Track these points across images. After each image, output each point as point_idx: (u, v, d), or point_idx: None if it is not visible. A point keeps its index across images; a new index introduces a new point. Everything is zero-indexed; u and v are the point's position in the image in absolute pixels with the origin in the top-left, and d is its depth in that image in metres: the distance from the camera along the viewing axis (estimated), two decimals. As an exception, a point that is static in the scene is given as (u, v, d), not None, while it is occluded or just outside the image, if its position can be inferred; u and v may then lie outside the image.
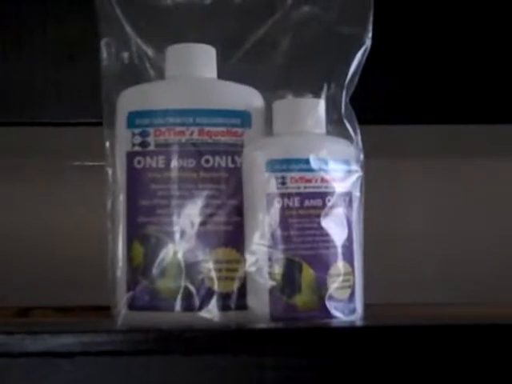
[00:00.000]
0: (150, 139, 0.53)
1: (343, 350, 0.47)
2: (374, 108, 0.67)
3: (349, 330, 0.49)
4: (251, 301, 0.51)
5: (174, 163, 0.52)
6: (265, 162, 0.51)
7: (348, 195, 0.53)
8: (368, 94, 0.58)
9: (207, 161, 0.53)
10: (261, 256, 0.51)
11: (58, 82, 0.69)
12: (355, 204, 0.53)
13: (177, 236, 0.52)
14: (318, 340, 0.47)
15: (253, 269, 0.51)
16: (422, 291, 0.75)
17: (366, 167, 0.54)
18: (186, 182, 0.52)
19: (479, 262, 0.78)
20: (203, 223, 0.52)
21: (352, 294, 0.52)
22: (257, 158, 0.51)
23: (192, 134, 0.53)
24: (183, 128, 0.53)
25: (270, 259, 0.51)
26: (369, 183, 0.55)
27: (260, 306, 0.51)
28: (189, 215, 0.52)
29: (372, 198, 0.55)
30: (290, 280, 0.50)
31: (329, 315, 0.50)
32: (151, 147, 0.53)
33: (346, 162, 0.53)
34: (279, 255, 0.50)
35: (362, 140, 0.55)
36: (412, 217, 0.79)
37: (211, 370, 0.47)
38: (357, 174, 0.53)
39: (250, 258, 0.51)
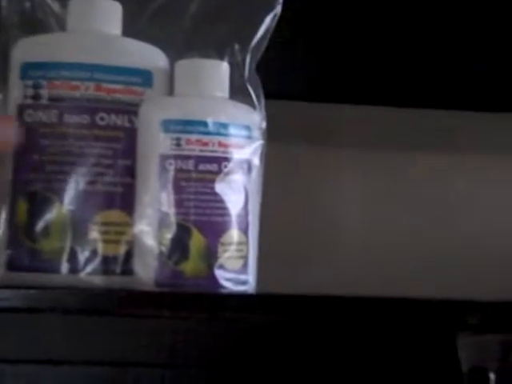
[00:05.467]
0: (43, 92, 0.50)
1: (221, 315, 0.45)
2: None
3: (223, 297, 0.47)
4: (137, 266, 0.49)
5: (67, 118, 0.50)
6: (160, 122, 0.49)
7: (247, 163, 0.51)
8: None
9: (102, 118, 0.50)
10: (150, 220, 0.48)
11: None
12: (254, 173, 0.51)
13: (64, 195, 0.49)
14: (195, 306, 0.45)
15: (141, 232, 0.49)
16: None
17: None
18: (78, 139, 0.50)
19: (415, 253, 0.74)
20: (92, 183, 0.49)
21: (245, 265, 0.50)
22: (152, 116, 0.49)
23: (88, 89, 0.50)
24: (78, 82, 0.50)
25: (159, 223, 0.48)
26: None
27: (146, 271, 0.48)
28: (78, 174, 0.49)
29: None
30: (178, 245, 0.48)
31: (217, 285, 0.48)
32: (44, 100, 0.50)
33: (247, 128, 0.51)
34: (169, 219, 0.48)
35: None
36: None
37: (86, 331, 0.44)
38: (258, 141, 0.51)
39: (138, 221, 0.49)
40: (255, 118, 0.52)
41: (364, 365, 0.45)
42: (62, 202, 0.49)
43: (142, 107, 0.50)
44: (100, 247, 0.49)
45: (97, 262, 0.49)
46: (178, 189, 0.48)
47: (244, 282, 0.50)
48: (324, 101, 0.70)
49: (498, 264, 0.70)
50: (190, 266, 0.48)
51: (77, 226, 0.49)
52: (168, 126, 0.49)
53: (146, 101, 0.50)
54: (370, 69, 0.70)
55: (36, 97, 0.50)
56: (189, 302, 0.45)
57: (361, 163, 0.73)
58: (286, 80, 0.62)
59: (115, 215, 0.49)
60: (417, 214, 0.71)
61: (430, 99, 0.71)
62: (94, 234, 0.49)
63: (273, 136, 0.53)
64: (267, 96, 0.53)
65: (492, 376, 0.43)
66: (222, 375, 0.45)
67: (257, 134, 0.51)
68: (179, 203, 0.48)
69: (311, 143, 0.68)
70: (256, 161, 0.51)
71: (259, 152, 0.52)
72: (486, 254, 0.70)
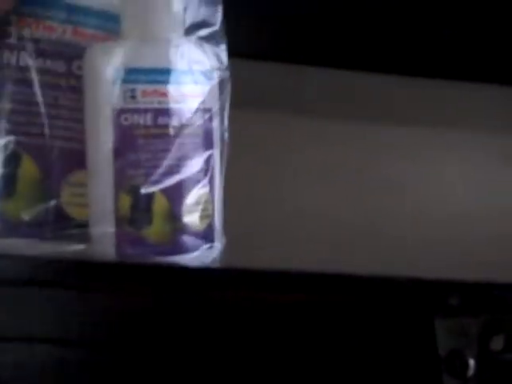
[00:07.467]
0: None
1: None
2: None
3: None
4: (95, 233, 0.44)
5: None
6: (111, 71, 0.43)
7: (208, 112, 0.46)
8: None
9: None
10: (106, 181, 0.43)
11: None
12: (215, 123, 0.46)
13: None
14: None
15: (96, 196, 0.44)
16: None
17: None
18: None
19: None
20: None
21: (210, 225, 0.46)
22: (101, 65, 0.43)
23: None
24: None
25: (116, 185, 0.43)
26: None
27: (105, 238, 0.44)
28: None
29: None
30: (139, 210, 0.44)
31: (183, 249, 0.44)
32: None
33: (209, 73, 0.45)
34: (125, 182, 0.43)
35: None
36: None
37: (27, 303, 0.40)
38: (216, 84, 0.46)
39: (93, 184, 0.44)
40: (216, 57, 0.46)
41: (333, 349, 0.42)
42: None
43: (87, 53, 0.44)
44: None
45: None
46: (134, 147, 0.43)
47: (210, 245, 0.46)
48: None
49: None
50: (153, 231, 0.44)
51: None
52: (121, 75, 0.43)
53: (92, 45, 0.44)
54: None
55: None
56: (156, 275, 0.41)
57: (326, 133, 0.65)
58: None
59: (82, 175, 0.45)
60: (382, 189, 0.66)
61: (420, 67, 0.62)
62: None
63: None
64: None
65: (471, 362, 0.41)
66: (190, 357, 0.42)
67: (216, 75, 0.46)
68: (136, 164, 0.43)
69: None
70: (216, 108, 0.46)
71: (228, 93, 0.47)
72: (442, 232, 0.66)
